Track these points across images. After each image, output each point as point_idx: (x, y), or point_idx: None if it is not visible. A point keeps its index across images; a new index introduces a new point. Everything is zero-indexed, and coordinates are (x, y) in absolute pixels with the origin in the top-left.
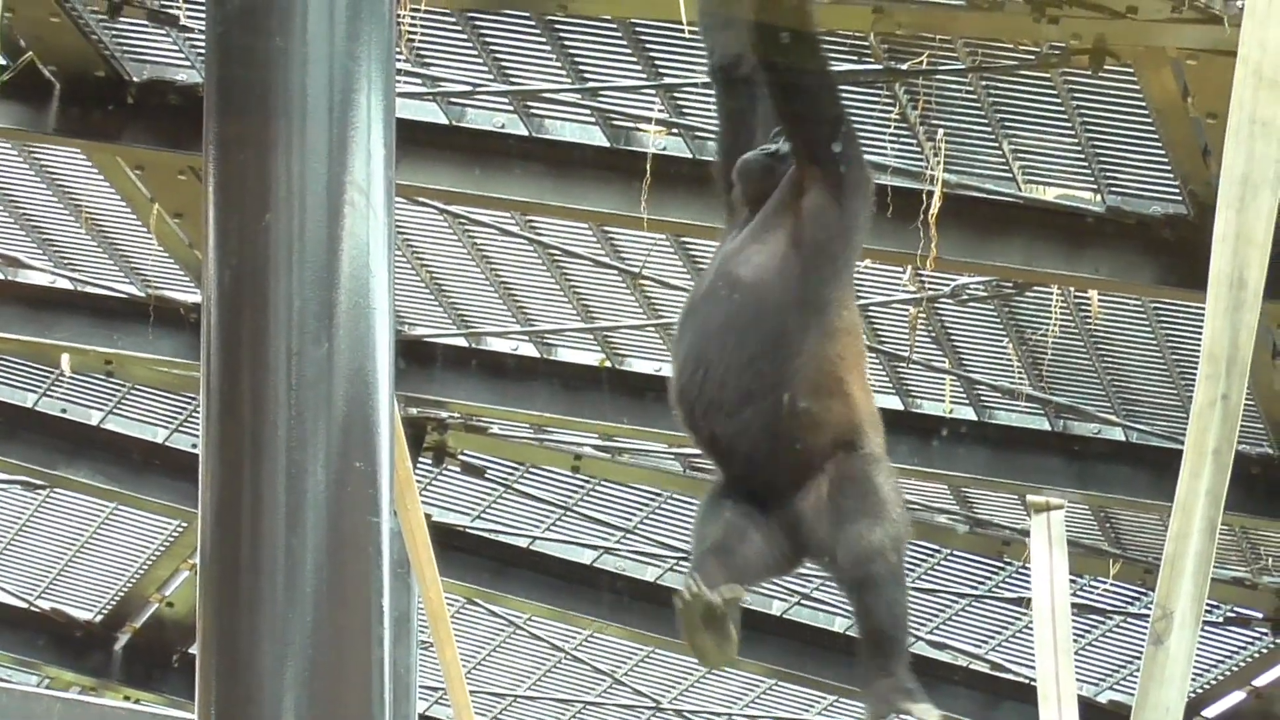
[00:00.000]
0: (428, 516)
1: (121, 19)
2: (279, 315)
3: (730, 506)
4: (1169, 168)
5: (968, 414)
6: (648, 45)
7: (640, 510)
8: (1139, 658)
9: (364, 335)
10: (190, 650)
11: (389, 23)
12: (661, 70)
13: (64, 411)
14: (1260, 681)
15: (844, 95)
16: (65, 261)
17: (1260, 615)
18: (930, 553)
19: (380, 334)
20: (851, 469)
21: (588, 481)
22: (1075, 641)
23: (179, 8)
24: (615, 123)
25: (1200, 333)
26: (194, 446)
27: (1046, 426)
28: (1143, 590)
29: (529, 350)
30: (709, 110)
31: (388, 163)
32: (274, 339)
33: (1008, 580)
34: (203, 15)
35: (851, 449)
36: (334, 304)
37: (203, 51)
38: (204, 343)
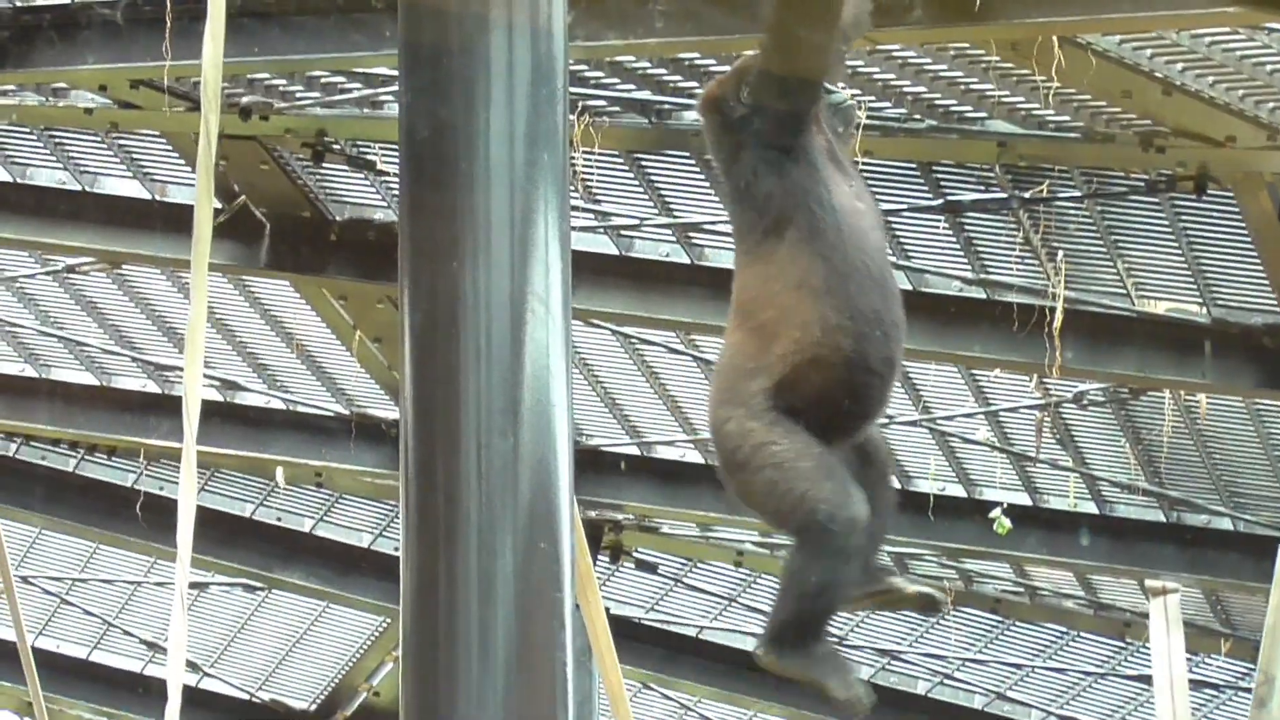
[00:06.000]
0: (606, 609)
1: (324, 165)
2: (469, 411)
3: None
4: (1267, 282)
5: (1090, 508)
6: None
7: None
8: None
9: (545, 428)
10: None
11: (562, 149)
12: None
13: (279, 520)
14: None
15: None
16: (277, 384)
17: None
18: (1059, 634)
19: (560, 427)
20: None
21: (749, 575)
22: (1193, 715)
23: (375, 153)
24: None
25: None
26: (395, 549)
27: (1161, 518)
28: (1252, 666)
29: (695, 456)
30: None
31: (564, 274)
32: (465, 433)
33: (1130, 659)
34: (395, 161)
35: None
36: (518, 400)
37: (396, 192)
38: (403, 435)
